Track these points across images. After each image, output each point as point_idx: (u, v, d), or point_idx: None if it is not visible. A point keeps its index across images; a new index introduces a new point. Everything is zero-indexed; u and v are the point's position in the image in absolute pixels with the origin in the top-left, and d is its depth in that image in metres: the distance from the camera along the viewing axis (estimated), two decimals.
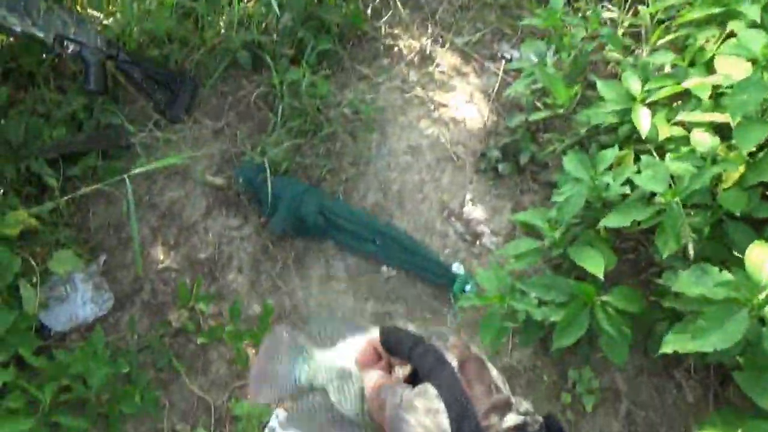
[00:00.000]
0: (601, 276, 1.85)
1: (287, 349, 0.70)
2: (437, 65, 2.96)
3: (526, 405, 0.51)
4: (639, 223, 1.85)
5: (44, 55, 2.70)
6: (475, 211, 2.60)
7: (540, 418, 0.51)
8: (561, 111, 2.40)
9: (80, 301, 2.42)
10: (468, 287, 2.41)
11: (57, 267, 2.33)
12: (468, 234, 2.55)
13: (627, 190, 1.89)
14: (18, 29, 2.40)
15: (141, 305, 2.51)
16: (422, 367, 0.53)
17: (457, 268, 2.44)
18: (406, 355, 0.55)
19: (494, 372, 0.53)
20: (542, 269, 2.31)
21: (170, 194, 2.71)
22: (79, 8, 2.78)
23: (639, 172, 1.89)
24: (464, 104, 2.87)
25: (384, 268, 2.51)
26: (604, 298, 1.95)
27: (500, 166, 2.61)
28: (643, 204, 1.89)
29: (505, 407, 0.50)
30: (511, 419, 0.50)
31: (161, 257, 2.59)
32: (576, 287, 1.94)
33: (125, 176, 1.54)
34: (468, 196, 2.63)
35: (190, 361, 2.40)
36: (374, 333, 0.61)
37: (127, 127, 2.69)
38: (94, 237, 2.62)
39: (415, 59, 2.99)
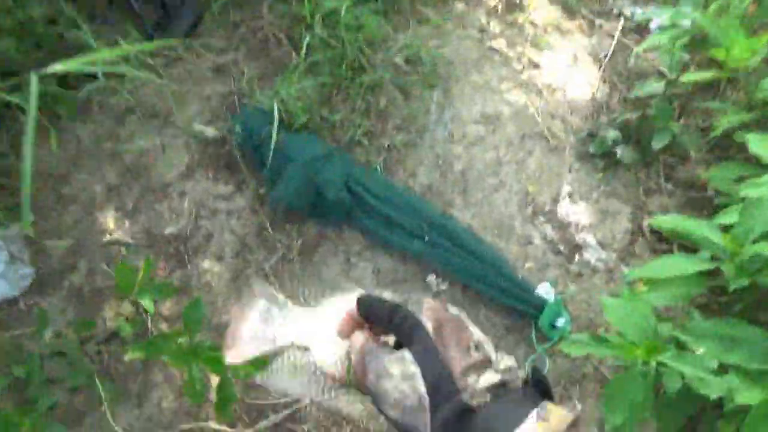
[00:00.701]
0: None
1: (268, 305, 0.68)
2: (529, 16, 2.15)
3: (507, 362, 0.49)
4: None
5: None
6: (576, 212, 1.74)
7: (521, 374, 0.49)
8: (732, 74, 1.56)
9: None
10: (561, 321, 1.53)
11: None
12: (562, 243, 1.69)
13: None
14: None
15: (69, 290, 1.70)
16: (400, 335, 0.51)
17: (545, 291, 1.57)
18: (385, 324, 0.52)
19: (475, 331, 0.51)
20: (689, 311, 1.42)
21: (142, 142, 1.93)
22: None
23: None
24: (564, 68, 2.04)
25: (432, 278, 1.65)
26: None
27: (619, 151, 1.76)
28: None
29: (482, 366, 0.48)
30: (488, 378, 0.48)
31: (110, 226, 1.79)
32: None
33: (33, 73, 0.77)
34: (565, 190, 1.78)
35: (123, 382, 1.56)
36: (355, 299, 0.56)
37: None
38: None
39: (500, 6, 2.19)
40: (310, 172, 1.68)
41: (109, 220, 1.80)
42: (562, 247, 1.68)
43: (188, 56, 2.08)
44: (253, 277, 1.66)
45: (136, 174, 1.87)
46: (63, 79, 1.90)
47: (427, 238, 1.63)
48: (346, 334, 0.57)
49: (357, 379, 0.52)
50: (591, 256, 1.66)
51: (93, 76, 1.86)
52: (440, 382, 0.47)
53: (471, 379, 0.48)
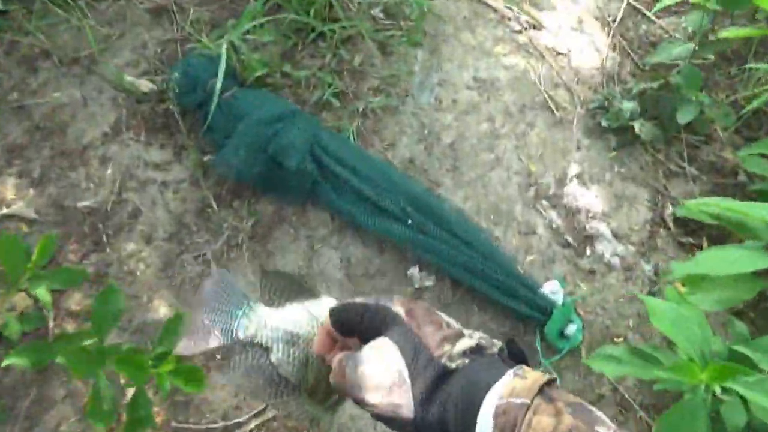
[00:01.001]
0: None
1: (228, 298, 0.61)
2: None
3: (480, 334, 0.50)
4: None
5: None
6: (586, 196, 1.46)
7: (498, 342, 0.50)
8: None
9: None
10: (572, 328, 1.25)
11: None
12: (570, 233, 1.41)
13: None
14: None
15: None
16: (374, 328, 0.50)
17: (552, 290, 1.28)
18: (358, 326, 0.51)
19: (444, 315, 0.51)
20: (729, 320, 1.16)
21: (57, 94, 1.55)
22: None
23: None
24: (569, 31, 1.76)
25: (414, 271, 1.34)
26: None
27: (637, 126, 1.48)
28: None
29: (456, 336, 0.49)
30: (464, 343, 0.48)
31: (9, 195, 1.41)
32: None
33: None
34: (573, 170, 1.50)
35: (9, 398, 1.20)
36: (325, 305, 0.57)
37: None
38: None
39: None
40: (265, 134, 1.34)
41: (8, 188, 1.42)
42: (570, 238, 1.40)
43: None
44: (212, 264, 1.32)
45: (47, 133, 1.50)
46: None
47: (410, 221, 1.31)
48: (324, 351, 0.56)
49: (338, 385, 0.50)
50: (605, 249, 1.38)
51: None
52: (417, 354, 0.48)
53: (446, 347, 0.48)
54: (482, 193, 1.45)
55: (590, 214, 1.43)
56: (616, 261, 1.36)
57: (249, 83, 1.50)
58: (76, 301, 1.31)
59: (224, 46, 1.40)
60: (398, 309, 0.50)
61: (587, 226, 1.41)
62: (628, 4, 1.83)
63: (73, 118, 1.52)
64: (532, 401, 0.40)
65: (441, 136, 1.53)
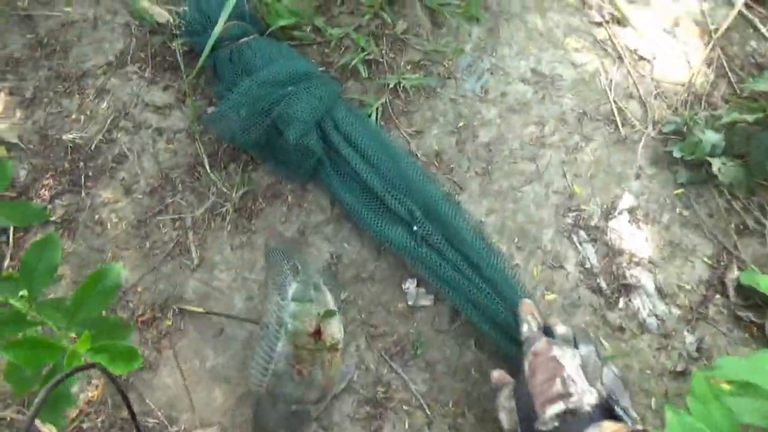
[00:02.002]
0: None
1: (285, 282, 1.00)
2: None
3: (590, 398, 0.63)
4: None
5: None
6: (634, 236, 1.22)
7: (593, 402, 0.60)
8: None
9: None
10: None
11: None
12: (605, 277, 1.18)
13: None
14: None
15: None
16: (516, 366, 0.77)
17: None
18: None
19: (570, 364, 0.66)
20: None
21: (68, 9, 1.41)
22: None
23: None
24: (659, 33, 1.48)
25: (410, 286, 1.15)
26: None
27: (716, 164, 1.22)
28: None
29: (558, 398, 0.62)
30: (555, 408, 0.60)
31: None
32: None
33: None
34: (626, 201, 1.25)
35: None
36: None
37: None
38: None
39: None
40: (272, 95, 1.16)
41: None
42: (603, 283, 1.17)
43: None
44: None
45: (49, 50, 1.36)
46: None
47: (416, 228, 1.11)
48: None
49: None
50: (642, 305, 1.14)
51: None
52: (525, 413, 0.66)
53: (542, 410, 0.64)
54: (511, 208, 1.23)
55: (634, 259, 1.19)
56: (653, 322, 1.13)
57: (271, 32, 1.31)
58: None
59: None
60: (525, 361, 0.71)
61: (627, 273, 1.17)
62: (740, 13, 1.52)
63: (80, 39, 1.37)
64: None
65: (478, 132, 1.31)
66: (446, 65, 1.37)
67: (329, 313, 1.02)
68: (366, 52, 1.33)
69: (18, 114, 1.29)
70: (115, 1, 1.41)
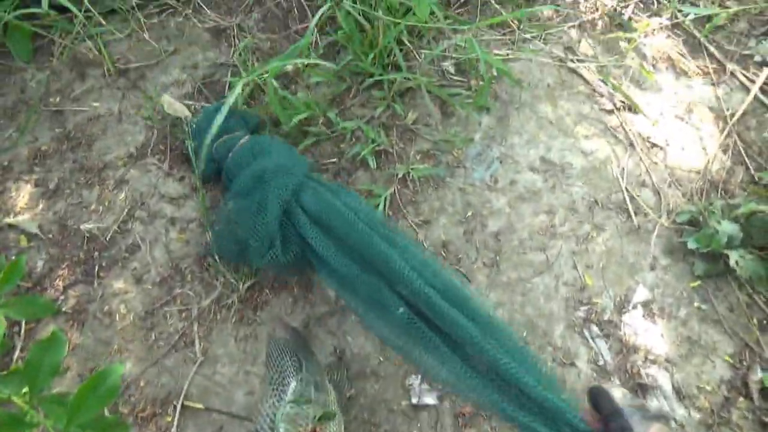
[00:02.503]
0: None
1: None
2: (636, 41, 1.58)
3: None
4: None
5: None
6: (649, 332, 1.17)
7: None
8: None
9: None
10: None
11: None
12: (619, 376, 1.12)
13: None
14: None
15: None
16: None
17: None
18: (604, 417, 0.66)
19: None
20: None
21: (96, 104, 1.49)
22: None
23: None
24: (673, 120, 1.47)
25: (415, 382, 1.12)
26: None
27: (733, 257, 1.18)
28: None
29: None
30: None
31: (18, 203, 1.35)
32: None
33: None
34: (641, 295, 1.21)
35: None
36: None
37: None
38: None
39: (598, 22, 1.64)
40: (243, 211, 1.14)
41: (21, 196, 1.36)
42: (618, 382, 1.11)
43: (185, 10, 1.62)
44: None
45: (74, 143, 1.43)
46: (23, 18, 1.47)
47: (403, 309, 1.03)
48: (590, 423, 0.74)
49: None
50: (660, 407, 1.08)
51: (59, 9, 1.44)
52: None
53: None
54: (520, 301, 1.20)
55: (650, 357, 1.14)
56: (672, 426, 1.06)
57: (283, 129, 1.35)
58: (49, 332, 1.21)
59: (238, 88, 1.24)
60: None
61: (643, 372, 1.12)
62: (756, 97, 1.50)
63: (104, 132, 1.44)
64: None
65: (487, 221, 1.30)
66: (455, 154, 1.39)
67: (327, 415, 0.99)
68: (376, 143, 1.36)
69: (41, 205, 1.35)
70: (139, 97, 1.49)
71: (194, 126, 1.30)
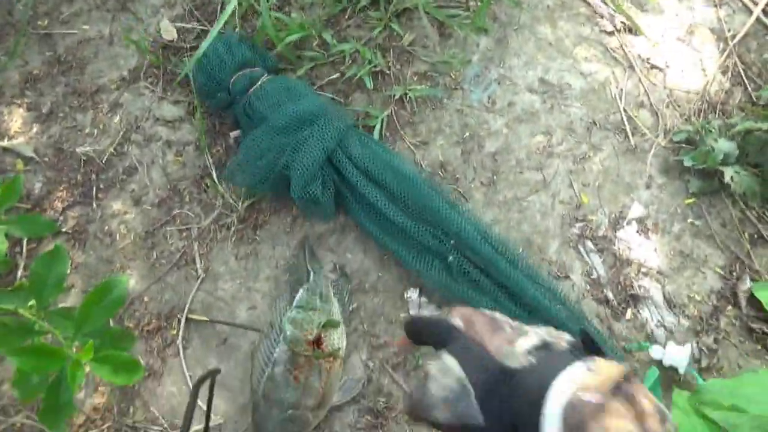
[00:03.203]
0: None
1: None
2: None
3: (546, 329, 0.46)
4: None
5: None
6: (642, 246, 1.19)
7: (567, 337, 0.45)
8: None
9: None
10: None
11: None
12: (612, 288, 1.15)
13: None
14: None
15: None
16: (439, 342, 0.50)
17: (681, 356, 1.05)
18: (426, 338, 0.53)
19: (508, 319, 0.49)
20: None
21: (86, 27, 1.45)
22: None
23: None
24: (673, 41, 1.45)
25: (413, 295, 1.14)
26: None
27: (728, 173, 1.19)
28: None
29: (518, 335, 0.46)
30: (527, 341, 0.45)
31: (12, 127, 1.33)
32: None
33: None
34: (635, 210, 1.23)
35: None
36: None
37: None
38: None
39: None
40: (279, 144, 1.14)
41: (14, 120, 1.34)
42: (610, 294, 1.14)
43: None
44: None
45: (66, 67, 1.40)
46: None
47: (450, 258, 1.09)
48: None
49: (415, 414, 0.47)
50: (650, 316, 1.12)
51: None
52: (478, 361, 0.46)
53: (507, 348, 0.45)
54: (516, 218, 1.22)
55: (643, 270, 1.16)
56: (660, 333, 1.10)
57: (276, 51, 1.33)
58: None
59: (230, 7, 1.21)
60: (457, 321, 0.50)
61: (635, 284, 1.15)
62: (758, 19, 1.48)
63: (96, 55, 1.42)
64: (605, 401, 0.35)
65: (484, 142, 1.30)
66: (453, 76, 1.37)
67: (332, 323, 1.02)
68: (373, 65, 1.34)
69: (35, 129, 1.33)
70: (130, 19, 1.45)
71: (197, 84, 1.26)
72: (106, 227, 1.23)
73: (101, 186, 1.28)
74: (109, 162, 1.30)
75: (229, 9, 1.10)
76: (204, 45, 1.06)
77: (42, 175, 1.29)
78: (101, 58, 1.41)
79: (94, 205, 1.26)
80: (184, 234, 1.22)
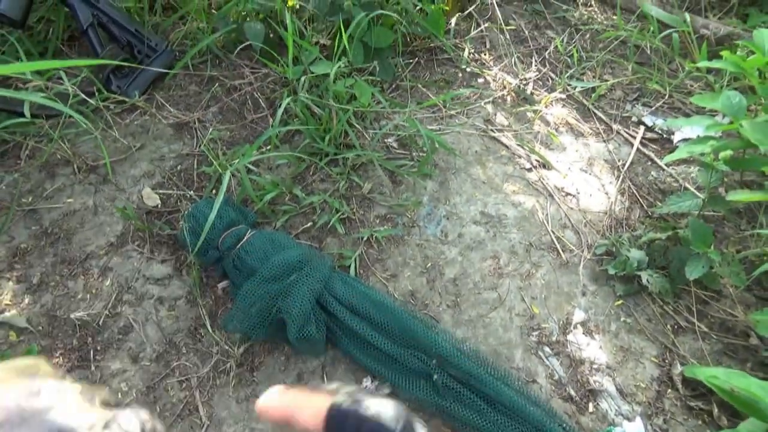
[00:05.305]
0: None
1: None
2: (540, 112, 1.92)
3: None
4: None
5: None
6: (590, 346, 1.41)
7: None
8: None
9: None
10: None
11: None
12: (573, 386, 1.34)
13: None
14: None
15: None
16: None
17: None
18: None
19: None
20: None
21: (70, 200, 1.58)
22: None
23: None
24: (578, 172, 1.78)
25: (368, 383, 1.27)
26: None
27: (644, 277, 1.46)
28: None
29: None
30: None
31: (3, 301, 1.40)
32: None
33: None
34: (578, 317, 1.45)
35: None
36: None
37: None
38: None
39: (507, 97, 1.97)
40: (270, 292, 1.30)
41: (4, 293, 1.41)
42: (572, 392, 1.33)
43: (148, 107, 1.78)
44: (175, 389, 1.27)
45: (53, 239, 1.51)
46: None
47: (435, 376, 1.25)
48: None
49: None
50: (609, 406, 1.30)
51: (23, 115, 1.54)
52: None
53: None
54: (482, 333, 1.41)
55: (594, 366, 1.37)
56: (620, 421, 1.28)
57: (257, 209, 1.52)
58: None
59: (225, 180, 1.41)
60: None
61: (591, 380, 1.34)
62: (638, 150, 1.86)
63: (82, 225, 1.54)
64: None
65: (444, 270, 1.51)
66: (409, 216, 1.61)
67: None
68: (340, 213, 1.55)
69: (26, 300, 1.40)
70: (113, 189, 1.60)
71: (192, 217, 1.42)
72: (107, 387, 1.29)
73: (98, 348, 1.35)
74: (104, 324, 1.38)
75: (224, 183, 1.29)
76: (211, 217, 1.23)
77: (37, 344, 1.34)
78: (87, 227, 1.53)
79: (93, 368, 1.32)
80: (185, 384, 1.31)
